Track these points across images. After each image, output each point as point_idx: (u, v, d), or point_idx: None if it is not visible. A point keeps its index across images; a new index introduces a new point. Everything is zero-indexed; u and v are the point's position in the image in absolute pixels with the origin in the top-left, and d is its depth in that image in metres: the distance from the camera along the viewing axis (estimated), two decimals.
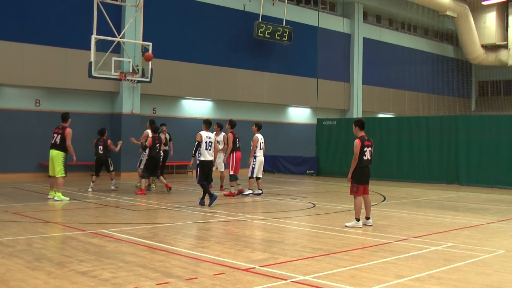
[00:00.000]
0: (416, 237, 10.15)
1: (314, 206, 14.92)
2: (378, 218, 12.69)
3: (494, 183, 21.38)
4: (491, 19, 39.08)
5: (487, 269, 7.84)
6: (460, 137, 22.65)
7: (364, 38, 34.42)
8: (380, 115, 35.43)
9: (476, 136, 22.10)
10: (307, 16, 31.59)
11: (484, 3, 37.62)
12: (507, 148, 21.42)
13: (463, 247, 9.30)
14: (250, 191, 17.25)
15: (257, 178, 17.47)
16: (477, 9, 38.45)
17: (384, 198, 17.05)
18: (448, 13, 36.17)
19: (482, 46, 38.93)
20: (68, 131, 14.89)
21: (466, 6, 37.40)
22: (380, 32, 36.14)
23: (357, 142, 11.19)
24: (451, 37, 41.34)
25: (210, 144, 14.53)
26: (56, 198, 14.79)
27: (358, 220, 11.23)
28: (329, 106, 32.62)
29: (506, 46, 38.83)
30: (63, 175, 14.87)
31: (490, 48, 39.40)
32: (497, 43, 39.03)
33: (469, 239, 10.25)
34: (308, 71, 31.32)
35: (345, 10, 33.95)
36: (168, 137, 20.42)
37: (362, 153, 11.17)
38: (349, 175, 11.30)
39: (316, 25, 31.05)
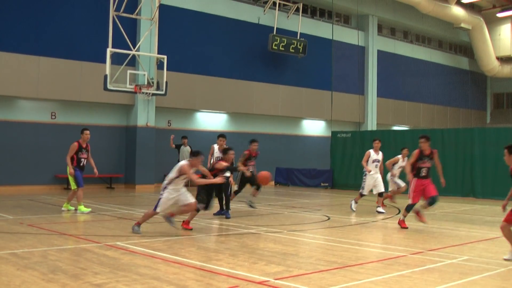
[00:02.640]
0: (432, 250, 10.08)
1: (329, 219, 14.87)
2: (393, 231, 12.63)
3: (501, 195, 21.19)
4: (506, 31, 38.93)
5: (504, 282, 7.78)
6: (476, 150, 22.54)
7: (378, 51, 34.42)
8: (395, 128, 35.33)
9: (491, 148, 21.96)
10: (322, 29, 31.65)
11: (499, 15, 37.50)
12: None
13: (479, 260, 9.22)
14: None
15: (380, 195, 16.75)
16: (492, 21, 38.33)
17: (399, 211, 16.96)
18: (462, 25, 36.09)
19: (497, 58, 38.77)
20: (72, 145, 14.99)
21: (481, 18, 37.30)
22: (394, 44, 36.11)
23: None
24: (466, 49, 41.23)
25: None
26: (77, 211, 14.90)
27: None
28: (343, 119, 32.61)
29: None
30: (73, 187, 14.95)
31: (505, 60, 39.23)
32: None
33: (485, 252, 10.16)
34: (323, 83, 31.35)
35: (360, 22, 33.99)
36: (190, 149, 20.51)
37: None
38: None
39: (331, 37, 31.10)
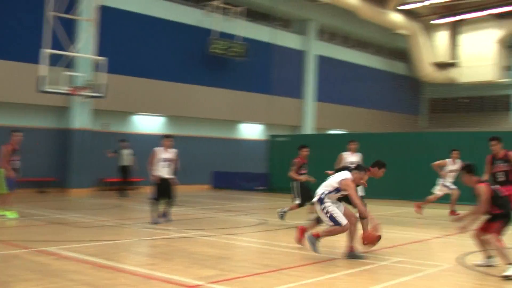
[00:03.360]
0: (365, 252, 10.21)
1: (264, 222, 14.90)
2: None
3: (443, 199, 21.70)
4: (442, 38, 39.93)
5: (433, 283, 7.97)
6: (412, 154, 23.00)
7: (318, 56, 34.77)
8: (332, 132, 35.74)
9: (426, 152, 22.44)
10: (262, 33, 31.74)
11: (436, 22, 38.42)
12: None
13: (411, 262, 9.40)
14: None
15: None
16: (429, 27, 39.24)
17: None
18: (400, 31, 36.83)
19: (433, 64, 39.69)
20: (5, 148, 14.53)
21: (419, 25, 38.14)
22: (334, 49, 36.55)
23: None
24: (403, 55, 42.02)
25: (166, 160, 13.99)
26: (4, 216, 14.41)
27: None
28: (282, 123, 32.79)
29: (456, 64, 39.69)
30: (3, 191, 14.49)
31: (441, 66, 40.19)
32: (447, 61, 39.87)
33: (416, 253, 10.38)
34: (262, 87, 31.45)
35: (300, 27, 34.25)
36: (131, 152, 20.41)
37: None
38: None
39: (271, 41, 31.25)
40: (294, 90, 33.49)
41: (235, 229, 13.42)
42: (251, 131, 32.65)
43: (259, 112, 31.64)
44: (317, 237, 9.45)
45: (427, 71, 39.55)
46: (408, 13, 37.12)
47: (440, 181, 16.88)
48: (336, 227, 9.36)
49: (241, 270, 8.38)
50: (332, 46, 36.55)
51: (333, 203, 9.54)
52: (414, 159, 22.93)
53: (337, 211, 9.42)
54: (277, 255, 9.84)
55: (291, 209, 14.64)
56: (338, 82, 36.42)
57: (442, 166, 16.73)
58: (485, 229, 8.69)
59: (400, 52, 41.71)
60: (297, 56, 33.58)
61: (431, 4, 35.17)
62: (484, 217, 8.76)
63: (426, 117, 44.55)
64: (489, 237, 8.46)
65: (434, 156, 22.19)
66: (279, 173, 26.68)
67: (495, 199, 8.55)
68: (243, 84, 30.99)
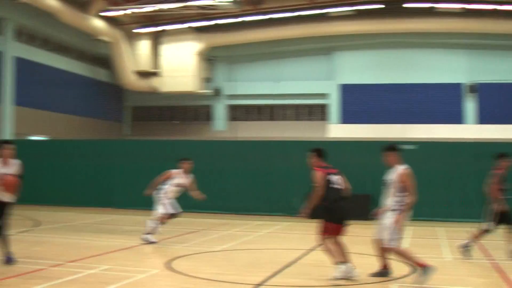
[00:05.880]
0: (72, 261, 9.95)
1: None
2: (32, 244, 12.17)
3: (148, 205, 22.13)
4: (145, 47, 40.67)
5: None
6: (115, 161, 23.04)
7: (16, 57, 32.96)
8: (32, 138, 34.20)
9: (130, 159, 22.71)
10: None
11: (137, 31, 39.05)
12: (159, 172, 22.44)
13: (119, 269, 9.40)
14: None
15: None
16: (132, 36, 39.63)
17: (40, 223, 16.42)
18: (102, 37, 36.67)
19: (136, 72, 40.28)
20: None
21: (121, 32, 38.37)
22: (34, 52, 34.97)
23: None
24: (106, 61, 41.91)
25: None
26: None
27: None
28: None
29: (158, 74, 40.78)
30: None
31: (144, 74, 40.94)
32: (150, 70, 40.77)
33: (124, 260, 10.41)
34: None
35: None
36: None
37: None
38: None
39: None
40: None
41: None
42: None
43: None
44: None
45: (130, 79, 39.98)
46: (110, 20, 37.15)
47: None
48: None
49: None
50: (32, 49, 34.95)
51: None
52: (118, 166, 23.01)
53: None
54: None
55: None
56: (39, 86, 34.90)
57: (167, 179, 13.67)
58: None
59: (103, 58, 41.53)
60: None
61: (133, 13, 35.71)
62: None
63: (129, 124, 45.01)
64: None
65: (137, 164, 22.71)
66: None
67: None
68: None
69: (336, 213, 8.96)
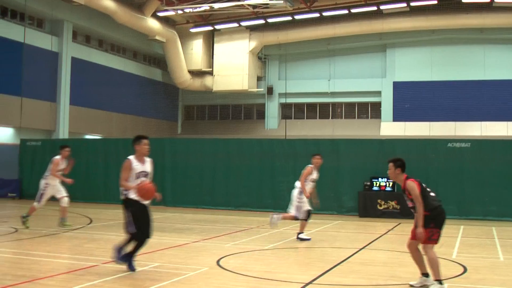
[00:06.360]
0: None
1: (17, 231, 14.04)
2: (85, 241, 12.40)
3: (198, 204, 22.37)
4: (198, 46, 41.02)
5: (192, 286, 8.10)
6: (167, 160, 23.30)
7: (72, 58, 33.66)
8: (88, 137, 34.90)
9: (181, 158, 22.93)
10: (13, 31, 29.88)
11: (192, 30, 39.42)
12: (210, 170, 22.66)
13: (169, 267, 9.49)
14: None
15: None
16: (185, 35, 40.09)
17: (91, 221, 16.74)
18: (157, 37, 37.15)
19: (189, 71, 40.67)
20: None
21: (175, 32, 38.79)
22: (89, 52, 35.68)
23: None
24: (160, 61, 42.46)
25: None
26: None
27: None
28: (34, 126, 31.14)
29: (211, 73, 41.08)
30: None
31: (197, 73, 41.30)
32: (203, 69, 41.10)
33: (174, 258, 10.50)
34: (11, 88, 29.56)
35: (54, 27, 32.89)
36: None
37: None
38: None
39: (22, 40, 29.60)
40: (48, 93, 32.03)
41: None
42: (0, 135, 30.59)
43: (9, 115, 29.70)
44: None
45: (183, 78, 40.39)
46: (165, 20, 37.66)
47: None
48: None
49: None
50: (88, 49, 35.66)
51: None
52: (170, 165, 23.26)
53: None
54: (32, 265, 9.31)
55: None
56: (93, 86, 35.57)
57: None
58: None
59: (157, 58, 42.13)
60: (51, 58, 32.20)
61: (187, 13, 36.07)
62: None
63: (182, 123, 45.48)
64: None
65: (188, 162, 22.92)
66: (30, 179, 25.32)
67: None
68: None
69: (440, 219, 8.20)
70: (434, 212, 8.09)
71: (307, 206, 13.46)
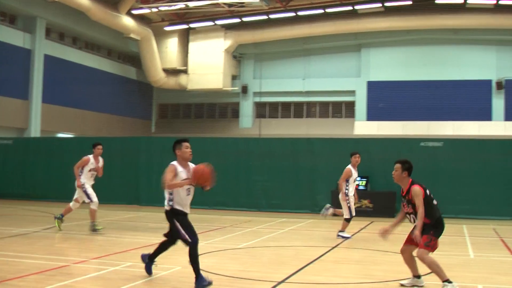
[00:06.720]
0: (95, 258, 10.01)
1: None
2: (57, 241, 12.28)
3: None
4: (173, 44, 40.86)
5: (165, 285, 8.07)
6: (141, 158, 23.17)
7: (46, 55, 33.30)
8: (61, 135, 34.55)
9: (156, 157, 22.80)
10: None
11: (167, 28, 39.23)
12: None
13: (142, 266, 9.40)
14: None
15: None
16: (161, 34, 39.85)
17: (64, 220, 16.55)
18: (132, 35, 36.90)
19: (164, 70, 40.47)
20: None
21: (150, 30, 38.54)
22: (63, 49, 35.31)
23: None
24: (134, 59, 42.15)
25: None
26: None
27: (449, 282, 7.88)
28: (5, 125, 30.73)
29: (186, 71, 40.93)
30: None
31: (172, 72, 41.12)
32: (178, 68, 40.92)
33: None
34: None
35: (26, 24, 32.48)
36: None
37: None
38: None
39: None
40: (20, 91, 31.63)
41: None
42: None
43: None
44: None
45: (158, 76, 40.20)
46: (140, 18, 37.43)
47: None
48: None
49: None
50: (61, 46, 35.30)
51: None
52: (144, 164, 23.13)
53: None
54: (2, 265, 9.18)
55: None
56: (67, 83, 35.20)
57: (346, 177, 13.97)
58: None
59: (132, 56, 41.84)
60: (23, 55, 31.80)
61: (163, 11, 35.90)
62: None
63: (156, 122, 45.25)
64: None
65: (163, 161, 22.78)
66: (2, 178, 25.02)
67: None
68: None
69: (440, 229, 8.11)
70: (435, 222, 7.98)
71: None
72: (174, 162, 8.33)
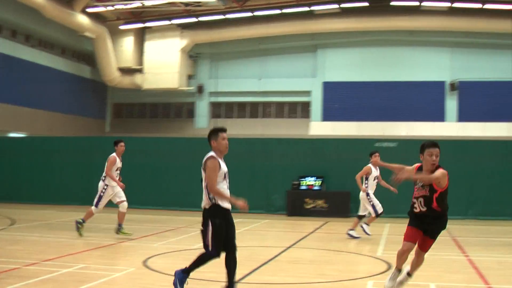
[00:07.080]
0: (47, 260, 9.84)
1: None
2: (7, 243, 12.03)
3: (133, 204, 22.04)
4: (128, 43, 40.41)
5: (119, 287, 7.98)
6: (95, 159, 22.86)
7: None
8: (12, 135, 33.88)
9: (108, 156, 22.53)
10: None
11: (122, 27, 38.79)
12: (139, 169, 22.36)
13: (95, 268, 9.31)
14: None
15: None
16: (116, 32, 39.34)
17: (14, 221, 16.25)
18: (86, 34, 36.39)
19: (119, 69, 40.03)
20: None
21: (105, 29, 38.05)
22: (15, 47, 34.59)
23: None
24: (89, 58, 41.57)
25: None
26: None
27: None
28: None
29: (141, 71, 40.55)
30: None
31: (127, 71, 40.66)
32: (133, 67, 40.49)
33: (101, 259, 10.32)
34: None
35: None
36: None
37: None
38: None
39: None
40: None
41: None
42: None
43: None
44: None
45: (113, 75, 39.74)
46: (95, 16, 36.95)
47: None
48: None
49: None
50: (13, 44, 34.56)
51: None
52: (97, 163, 22.81)
53: None
54: None
55: None
56: (19, 82, 34.52)
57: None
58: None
59: (86, 55, 41.27)
60: None
61: (118, 9, 35.52)
62: None
63: (111, 121, 44.73)
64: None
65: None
66: None
67: None
68: None
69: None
70: (443, 214, 7.90)
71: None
72: (213, 154, 7.47)
